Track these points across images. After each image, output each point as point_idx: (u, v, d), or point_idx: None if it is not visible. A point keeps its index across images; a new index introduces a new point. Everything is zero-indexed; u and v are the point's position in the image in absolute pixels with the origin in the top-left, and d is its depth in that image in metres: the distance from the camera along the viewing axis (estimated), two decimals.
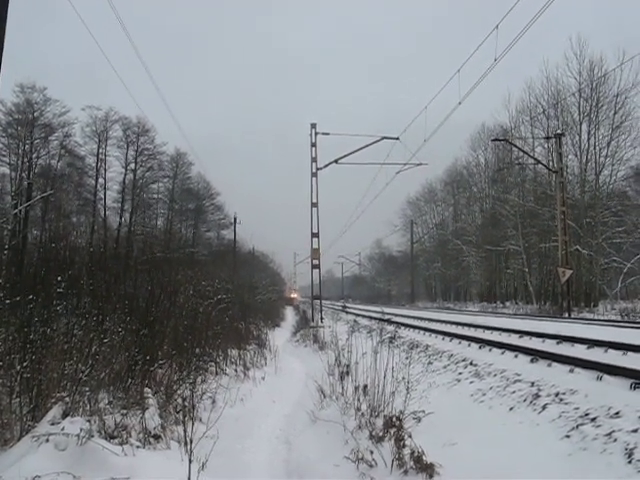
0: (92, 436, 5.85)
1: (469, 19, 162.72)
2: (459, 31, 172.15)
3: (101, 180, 49.39)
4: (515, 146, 44.46)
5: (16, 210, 33.40)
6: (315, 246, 35.29)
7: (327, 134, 35.36)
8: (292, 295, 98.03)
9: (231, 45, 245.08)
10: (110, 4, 14.72)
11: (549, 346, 12.81)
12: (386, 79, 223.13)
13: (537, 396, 8.05)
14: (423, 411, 7.90)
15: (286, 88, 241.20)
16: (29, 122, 42.26)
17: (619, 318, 27.84)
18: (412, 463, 6.18)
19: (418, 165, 35.04)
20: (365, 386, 8.40)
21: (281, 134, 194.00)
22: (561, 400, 7.60)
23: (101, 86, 78.75)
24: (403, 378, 8.01)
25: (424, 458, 6.17)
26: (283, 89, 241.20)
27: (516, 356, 11.73)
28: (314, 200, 34.74)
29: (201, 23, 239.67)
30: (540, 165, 43.95)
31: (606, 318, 28.02)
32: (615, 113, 41.37)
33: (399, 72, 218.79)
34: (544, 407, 7.53)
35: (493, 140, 48.74)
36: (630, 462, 5.38)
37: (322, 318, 34.25)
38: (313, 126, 35.45)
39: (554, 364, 10.12)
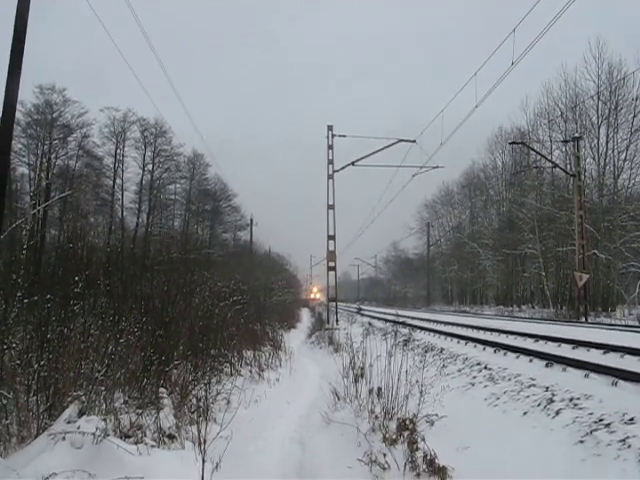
0: (107, 435, 5.91)
1: (487, 23, 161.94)
2: (477, 34, 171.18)
3: (119, 181, 49.97)
4: (532, 149, 44.26)
5: (35, 210, 33.62)
6: (331, 248, 35.34)
7: (344, 136, 35.47)
8: (315, 295, 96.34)
9: (244, 47, 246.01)
10: (130, 8, 14.87)
11: (565, 351, 12.73)
12: (402, 82, 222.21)
13: (551, 401, 8.02)
14: (436, 414, 7.92)
15: (295, 91, 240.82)
16: (48, 123, 42.64)
17: (637, 323, 27.61)
18: (425, 466, 6.20)
19: (435, 168, 35.08)
20: (379, 389, 8.41)
21: (297, 136, 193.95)
22: (575, 405, 7.57)
23: (104, 87, 79.10)
24: (417, 381, 8.02)
25: (437, 461, 6.19)
26: (292, 91, 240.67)
27: (531, 360, 11.67)
28: (330, 202, 34.80)
29: (214, 25, 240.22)
30: (558, 168, 43.72)
31: (624, 323, 27.81)
32: (634, 116, 40.96)
33: (416, 75, 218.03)
34: (558, 412, 7.50)
35: (511, 143, 48.27)
36: None
37: (337, 320, 34.28)
38: (330, 128, 35.53)
39: (569, 369, 10.06)
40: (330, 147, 35.43)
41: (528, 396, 8.64)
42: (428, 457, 6.28)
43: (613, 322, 29.12)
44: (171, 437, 7.05)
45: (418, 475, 6.16)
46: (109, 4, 17.17)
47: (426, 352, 13.68)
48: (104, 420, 6.33)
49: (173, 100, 34.03)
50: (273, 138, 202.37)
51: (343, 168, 35.63)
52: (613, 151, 42.44)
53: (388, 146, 35.62)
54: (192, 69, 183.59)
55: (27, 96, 39.73)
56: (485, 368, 11.57)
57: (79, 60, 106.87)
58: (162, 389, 8.30)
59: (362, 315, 42.62)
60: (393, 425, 7.32)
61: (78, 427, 5.94)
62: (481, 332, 20.06)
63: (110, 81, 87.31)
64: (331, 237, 34.99)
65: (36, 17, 9.51)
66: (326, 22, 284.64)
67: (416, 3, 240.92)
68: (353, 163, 35.83)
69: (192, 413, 8.29)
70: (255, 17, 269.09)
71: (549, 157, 44.12)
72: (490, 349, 14.22)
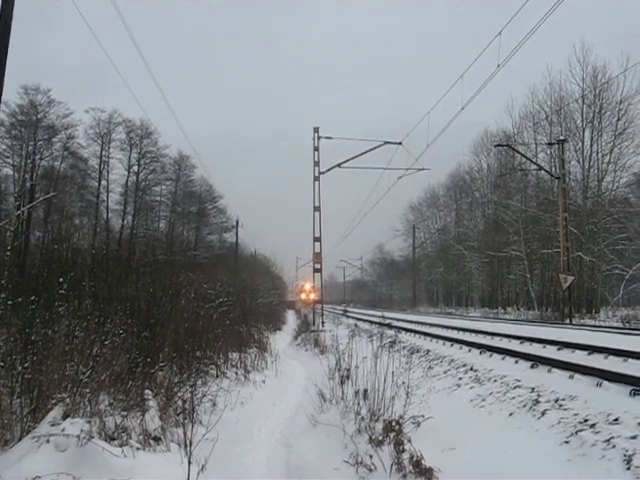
0: (92, 437, 5.86)
1: (473, 25, 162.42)
2: (463, 37, 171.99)
3: (104, 182, 49.79)
4: (518, 152, 44.53)
5: (19, 211, 33.44)
6: (317, 250, 35.32)
7: (330, 138, 35.42)
8: (308, 296, 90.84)
9: (232, 47, 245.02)
10: (115, 8, 14.80)
11: (550, 352, 12.79)
12: (389, 84, 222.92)
13: (537, 402, 8.04)
14: (422, 416, 7.90)
15: (288, 91, 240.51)
16: (33, 124, 42.41)
17: (620, 325, 27.80)
18: (411, 467, 6.19)
19: (420, 170, 35.11)
20: (365, 390, 8.39)
21: (284, 137, 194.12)
22: (560, 406, 7.59)
23: (103, 88, 78.71)
24: (403, 383, 8.02)
25: (423, 462, 6.18)
26: (285, 92, 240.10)
27: (517, 362, 11.71)
28: (316, 204, 34.79)
29: (201, 24, 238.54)
30: (543, 171, 43.99)
31: (607, 325, 28.00)
32: (618, 120, 41.43)
33: (402, 77, 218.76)
34: (543, 413, 7.52)
35: (496, 146, 48.51)
36: (629, 468, 5.38)
37: (323, 322, 34.27)
38: (316, 130, 35.49)
39: (554, 370, 10.10)
40: (316, 149, 35.39)
41: (514, 397, 8.66)
42: (414, 458, 6.27)
43: (597, 324, 29.33)
44: (156, 439, 7.01)
45: (404, 476, 6.15)
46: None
47: (412, 354, 13.73)
48: (89, 422, 6.28)
49: (160, 101, 33.90)
50: (262, 138, 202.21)
51: (329, 170, 35.65)
52: (597, 154, 42.87)
53: (374, 148, 35.68)
54: (189, 69, 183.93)
55: (11, 96, 39.49)
56: (471, 369, 11.60)
57: (72, 58, 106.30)
58: (147, 391, 8.25)
59: (348, 317, 42.65)
60: (379, 426, 7.31)
61: (62, 430, 5.89)
62: (467, 334, 20.11)
63: (101, 79, 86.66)
64: (317, 239, 34.99)
65: (30, 16, 9.44)
66: (324, 23, 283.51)
67: (411, 4, 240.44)
68: (339, 165, 35.84)
69: (178, 415, 8.26)
70: (250, 16, 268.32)
71: (534, 160, 44.47)
72: (476, 351, 14.25)
